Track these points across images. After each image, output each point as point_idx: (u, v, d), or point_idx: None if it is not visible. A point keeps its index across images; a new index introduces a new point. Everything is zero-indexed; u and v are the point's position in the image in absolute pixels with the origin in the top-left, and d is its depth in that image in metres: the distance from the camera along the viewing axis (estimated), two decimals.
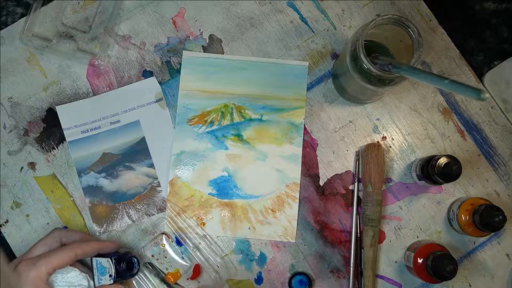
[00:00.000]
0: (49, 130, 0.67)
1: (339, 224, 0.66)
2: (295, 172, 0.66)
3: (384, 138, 0.68)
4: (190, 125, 0.67)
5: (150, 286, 0.63)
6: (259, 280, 0.65)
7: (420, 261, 0.61)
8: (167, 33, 0.69)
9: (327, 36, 0.69)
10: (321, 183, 0.67)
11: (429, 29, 0.69)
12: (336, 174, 0.67)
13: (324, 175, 0.67)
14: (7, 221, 0.66)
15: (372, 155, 0.64)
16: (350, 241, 0.65)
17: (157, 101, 0.68)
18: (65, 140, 0.67)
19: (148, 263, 0.64)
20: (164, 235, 0.65)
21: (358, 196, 0.66)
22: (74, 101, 0.68)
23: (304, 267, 0.65)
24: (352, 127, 0.68)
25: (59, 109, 0.67)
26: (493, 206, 0.59)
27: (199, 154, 0.67)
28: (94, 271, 0.58)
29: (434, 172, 0.60)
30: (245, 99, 0.68)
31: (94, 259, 0.59)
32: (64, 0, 0.68)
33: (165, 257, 0.65)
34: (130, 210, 0.66)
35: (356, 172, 0.66)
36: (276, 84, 0.68)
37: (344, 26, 0.69)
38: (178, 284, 0.64)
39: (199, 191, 0.66)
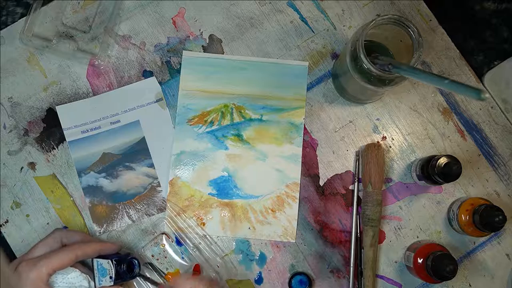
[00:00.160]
0: (49, 130, 0.67)
1: (339, 224, 0.66)
2: (295, 172, 0.66)
3: (384, 138, 0.68)
4: (190, 125, 0.67)
5: None
6: (259, 280, 0.65)
7: (420, 261, 0.61)
8: (167, 33, 0.69)
9: (327, 36, 0.69)
10: (321, 183, 0.67)
11: (429, 29, 0.69)
12: (336, 174, 0.67)
13: (324, 175, 0.67)
14: (7, 221, 0.66)
15: (372, 155, 0.64)
16: (350, 241, 0.65)
17: (157, 101, 0.68)
18: (65, 140, 0.67)
19: (148, 263, 0.64)
20: (164, 235, 0.65)
21: (358, 196, 0.66)
22: (74, 101, 0.67)
23: (304, 267, 0.65)
24: (352, 127, 0.68)
25: (59, 109, 0.67)
26: (493, 206, 0.59)
27: (199, 154, 0.67)
28: (95, 272, 0.58)
29: (434, 172, 0.60)
30: (245, 99, 0.68)
31: (95, 260, 0.59)
32: (64, 0, 0.68)
33: (165, 257, 0.65)
34: (130, 210, 0.66)
35: (356, 172, 0.66)
36: (276, 84, 0.68)
37: (344, 26, 0.69)
38: None
39: (199, 191, 0.66)
